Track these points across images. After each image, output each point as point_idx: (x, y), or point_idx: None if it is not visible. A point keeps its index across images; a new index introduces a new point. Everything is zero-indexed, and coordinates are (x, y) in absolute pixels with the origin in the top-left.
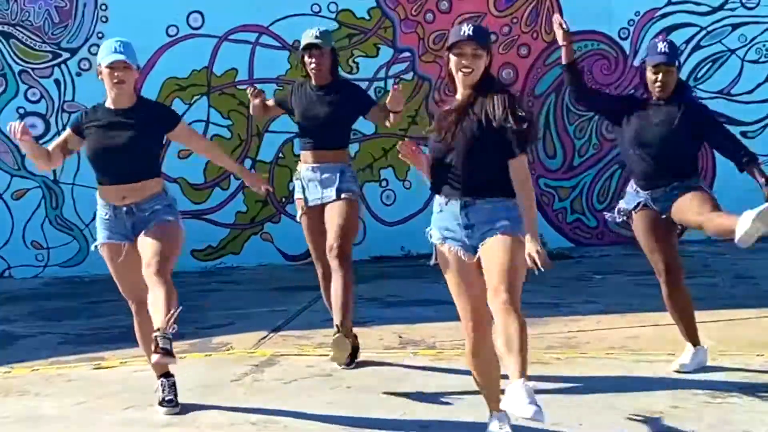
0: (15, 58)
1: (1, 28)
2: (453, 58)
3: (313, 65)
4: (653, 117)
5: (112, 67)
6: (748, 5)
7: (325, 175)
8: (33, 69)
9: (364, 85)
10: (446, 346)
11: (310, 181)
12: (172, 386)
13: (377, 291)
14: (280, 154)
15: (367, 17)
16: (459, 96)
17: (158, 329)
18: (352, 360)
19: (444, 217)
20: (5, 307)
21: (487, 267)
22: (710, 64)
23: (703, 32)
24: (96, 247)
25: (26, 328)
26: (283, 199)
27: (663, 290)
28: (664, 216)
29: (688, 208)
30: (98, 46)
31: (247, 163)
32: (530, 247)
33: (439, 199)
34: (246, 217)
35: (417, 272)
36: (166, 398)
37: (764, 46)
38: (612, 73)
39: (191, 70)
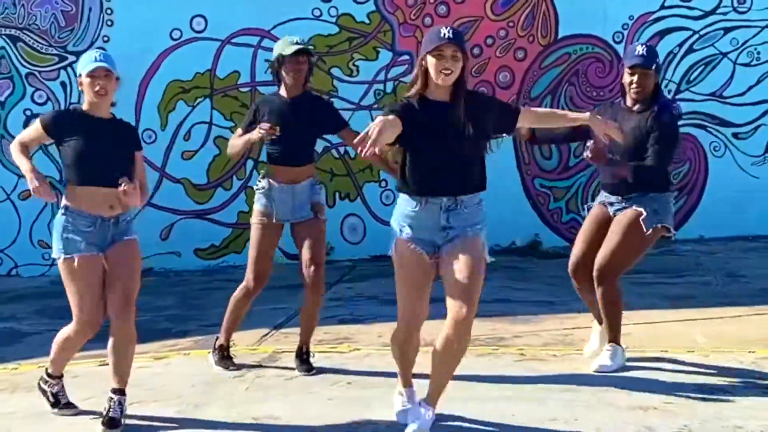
0: (22, 61)
1: (9, 31)
2: (432, 61)
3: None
4: (624, 125)
5: (93, 75)
6: (740, 9)
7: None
8: (40, 72)
9: (363, 87)
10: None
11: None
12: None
13: (376, 289)
14: None
15: (367, 21)
16: (433, 96)
17: (118, 390)
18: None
19: (419, 216)
20: (12, 305)
21: (453, 280)
22: (703, 66)
23: (696, 36)
24: (62, 258)
25: (33, 326)
26: None
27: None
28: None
29: (605, 242)
30: (104, 49)
31: (249, 163)
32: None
33: (413, 199)
34: (248, 216)
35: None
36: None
37: (755, 49)
38: (606, 75)
39: (194, 72)
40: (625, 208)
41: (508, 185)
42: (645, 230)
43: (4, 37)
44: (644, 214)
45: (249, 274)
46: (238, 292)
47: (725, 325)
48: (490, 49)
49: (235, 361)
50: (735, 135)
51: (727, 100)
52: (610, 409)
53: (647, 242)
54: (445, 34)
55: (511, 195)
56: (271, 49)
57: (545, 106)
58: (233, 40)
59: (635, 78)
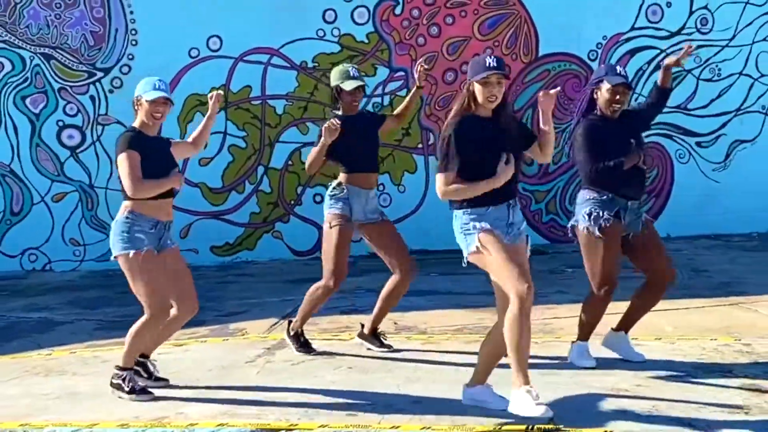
0: (55, 76)
1: (43, 50)
2: (480, 88)
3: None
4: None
5: (155, 102)
6: (703, 30)
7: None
8: (71, 86)
9: (363, 101)
10: (436, 331)
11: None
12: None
13: (375, 283)
14: (290, 162)
15: (366, 41)
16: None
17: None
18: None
19: (489, 216)
20: (46, 297)
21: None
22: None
23: (663, 54)
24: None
25: (65, 316)
26: (292, 202)
27: None
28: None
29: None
30: (129, 66)
31: (260, 169)
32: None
33: (479, 209)
34: (259, 217)
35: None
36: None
37: (717, 66)
38: (582, 89)
39: (210, 87)
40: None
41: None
42: None
43: (38, 55)
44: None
45: (330, 275)
46: (319, 291)
47: (690, 315)
48: None
49: (247, 347)
50: (698, 143)
51: (691, 112)
52: (586, 391)
53: None
54: (490, 63)
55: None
56: (279, 66)
57: (527, 118)
58: (245, 58)
59: (618, 97)
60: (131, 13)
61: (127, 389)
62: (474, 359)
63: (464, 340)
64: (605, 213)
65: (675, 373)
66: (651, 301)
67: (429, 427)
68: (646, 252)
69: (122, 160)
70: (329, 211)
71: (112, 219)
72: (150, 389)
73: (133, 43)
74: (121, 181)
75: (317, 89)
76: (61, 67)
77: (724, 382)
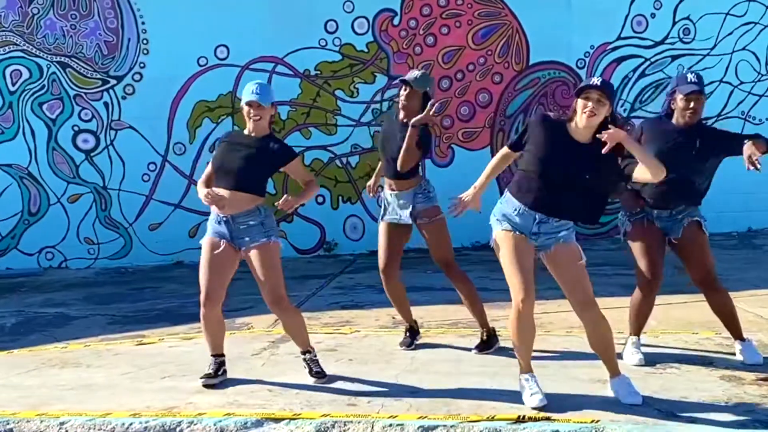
0: (71, 84)
1: (59, 58)
2: (580, 102)
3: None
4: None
5: (248, 104)
6: (685, 40)
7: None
8: (86, 93)
9: (362, 106)
10: (432, 325)
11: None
12: (220, 365)
13: (374, 279)
14: None
15: (366, 50)
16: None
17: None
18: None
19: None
20: (62, 293)
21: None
22: (653, 89)
23: (647, 62)
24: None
25: (80, 311)
26: None
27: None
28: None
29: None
30: (141, 74)
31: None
32: None
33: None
34: None
35: (408, 263)
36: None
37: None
38: (571, 96)
39: (218, 94)
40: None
41: (488, 192)
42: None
43: (55, 63)
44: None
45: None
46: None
47: (673, 310)
48: (471, 74)
49: (253, 340)
50: None
51: None
52: (574, 382)
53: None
54: (594, 82)
55: (491, 200)
56: (283, 74)
57: (518, 123)
58: (251, 66)
59: (692, 104)
60: (143, 23)
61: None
62: (467, 352)
63: (458, 334)
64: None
65: (659, 365)
66: (712, 299)
67: (425, 416)
68: (680, 254)
69: None
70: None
71: (125, 219)
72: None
73: (145, 52)
74: None
75: (319, 96)
76: (76, 74)
77: (706, 373)
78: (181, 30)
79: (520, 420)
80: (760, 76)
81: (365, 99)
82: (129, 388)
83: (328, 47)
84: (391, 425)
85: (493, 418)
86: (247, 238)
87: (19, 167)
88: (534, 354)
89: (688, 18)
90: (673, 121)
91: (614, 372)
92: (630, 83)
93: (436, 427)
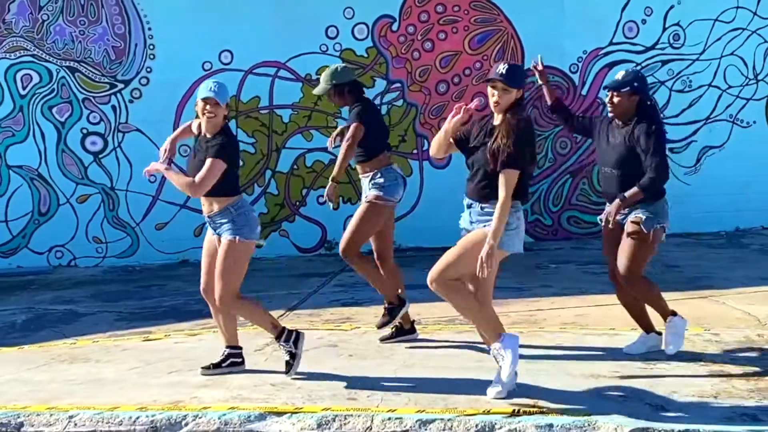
0: (79, 88)
1: (68, 63)
2: (489, 90)
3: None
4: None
5: (204, 101)
6: (675, 45)
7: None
8: (94, 97)
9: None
10: (429, 322)
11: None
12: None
13: None
14: (295, 166)
15: (366, 55)
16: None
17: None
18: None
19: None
20: (71, 290)
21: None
22: None
23: (639, 67)
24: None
25: (88, 308)
26: (297, 203)
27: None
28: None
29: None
30: (147, 78)
31: (268, 173)
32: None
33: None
34: (267, 217)
35: (406, 262)
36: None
37: (688, 78)
38: (564, 100)
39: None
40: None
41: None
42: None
43: (64, 68)
44: (644, 218)
45: None
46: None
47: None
48: (468, 78)
49: (256, 336)
50: (671, 149)
51: (665, 121)
52: (567, 377)
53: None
54: (499, 70)
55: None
56: (285, 78)
57: None
58: (254, 71)
59: (607, 99)
60: (149, 29)
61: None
62: (464, 348)
63: (455, 330)
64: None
65: (649, 360)
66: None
67: (423, 410)
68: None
69: None
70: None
71: (132, 219)
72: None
73: (151, 57)
74: None
75: (320, 99)
76: (85, 79)
77: (695, 368)
78: (186, 36)
79: (514, 414)
80: (747, 80)
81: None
82: (136, 383)
83: (329, 52)
84: (390, 419)
85: (488, 411)
86: (221, 233)
87: (30, 168)
88: (528, 349)
89: (677, 24)
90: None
91: None
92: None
93: (433, 420)
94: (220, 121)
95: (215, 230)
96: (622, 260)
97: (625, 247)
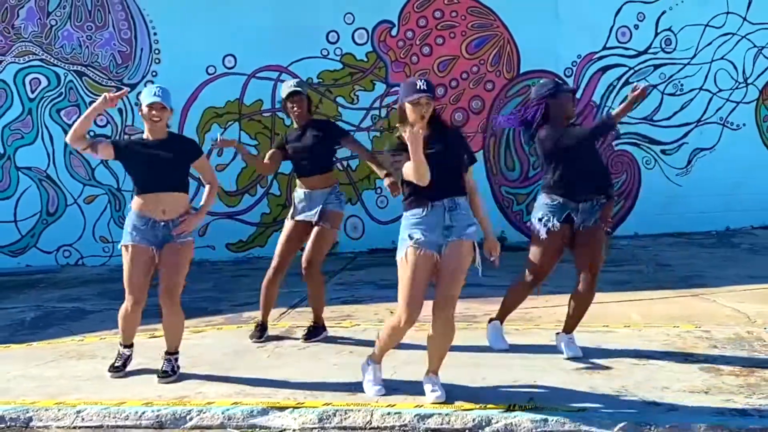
0: (87, 91)
1: (76, 67)
2: (410, 108)
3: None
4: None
5: (150, 106)
6: (667, 50)
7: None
8: None
9: (362, 113)
10: (427, 319)
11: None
12: (128, 358)
13: (372, 276)
14: None
15: (365, 59)
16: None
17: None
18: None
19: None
20: (79, 288)
21: (445, 272)
22: None
23: (631, 71)
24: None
25: (95, 306)
26: None
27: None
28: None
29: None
30: (153, 82)
31: (270, 175)
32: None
33: (418, 209)
34: (269, 217)
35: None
36: (115, 365)
37: (679, 82)
38: None
39: (226, 101)
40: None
41: (480, 192)
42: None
43: (72, 72)
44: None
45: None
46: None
47: (655, 305)
48: (465, 82)
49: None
50: (663, 151)
51: (657, 123)
52: (561, 373)
53: None
54: (420, 86)
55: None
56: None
57: (510, 129)
58: (257, 75)
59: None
60: (155, 34)
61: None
62: (463, 345)
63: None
64: (554, 218)
65: (642, 357)
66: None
67: (422, 405)
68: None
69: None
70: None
71: None
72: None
73: (157, 61)
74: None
75: (321, 102)
76: (92, 82)
77: (686, 365)
78: (191, 40)
79: (510, 408)
80: (737, 84)
81: (365, 105)
82: (142, 379)
83: (330, 57)
84: (389, 413)
85: (485, 406)
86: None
87: (38, 170)
88: (524, 346)
89: (669, 29)
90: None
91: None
92: (615, 91)
93: (431, 414)
94: (164, 125)
95: (165, 237)
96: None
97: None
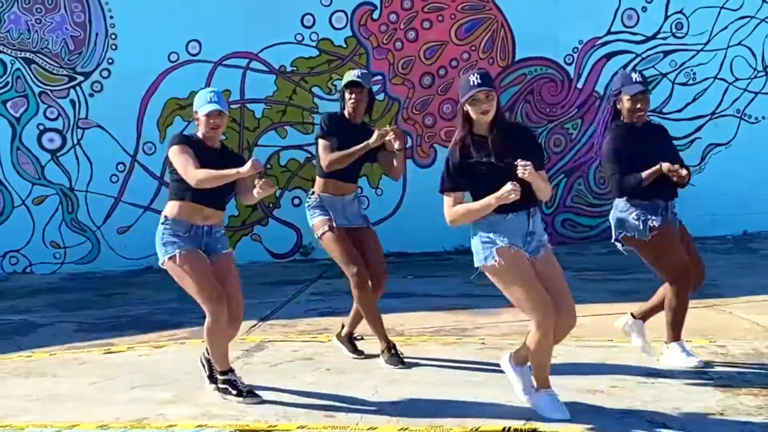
0: (36, 80)
1: (24, 54)
2: (470, 107)
3: (352, 101)
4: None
5: (208, 115)
6: (678, 35)
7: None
8: (51, 90)
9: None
10: (413, 332)
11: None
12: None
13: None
14: (268, 165)
15: (344, 45)
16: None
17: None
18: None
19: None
20: (27, 299)
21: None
22: None
23: (639, 58)
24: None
25: (45, 318)
26: (271, 205)
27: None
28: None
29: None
30: (109, 70)
31: None
32: None
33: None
34: (238, 220)
35: (388, 268)
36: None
37: (692, 70)
38: (558, 93)
39: (190, 91)
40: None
41: None
42: None
43: (19, 59)
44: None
45: (354, 276)
46: (359, 295)
47: (665, 317)
48: (455, 70)
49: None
50: None
51: (667, 116)
52: (561, 391)
53: None
54: (474, 81)
55: None
56: (257, 70)
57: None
58: (225, 62)
59: (639, 104)
60: (111, 17)
61: (234, 392)
62: (449, 361)
63: (441, 342)
64: (651, 216)
65: (651, 375)
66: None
67: (406, 428)
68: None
69: (174, 153)
70: (312, 221)
71: (93, 222)
72: (256, 391)
73: (113, 47)
74: (170, 180)
75: (296, 93)
76: (41, 71)
77: (700, 383)
78: (151, 24)
79: (505, 431)
80: (756, 72)
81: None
82: (97, 399)
83: (305, 42)
84: None
85: (477, 429)
86: (219, 245)
87: None
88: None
89: (681, 12)
90: (624, 120)
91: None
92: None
93: None
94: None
95: (208, 244)
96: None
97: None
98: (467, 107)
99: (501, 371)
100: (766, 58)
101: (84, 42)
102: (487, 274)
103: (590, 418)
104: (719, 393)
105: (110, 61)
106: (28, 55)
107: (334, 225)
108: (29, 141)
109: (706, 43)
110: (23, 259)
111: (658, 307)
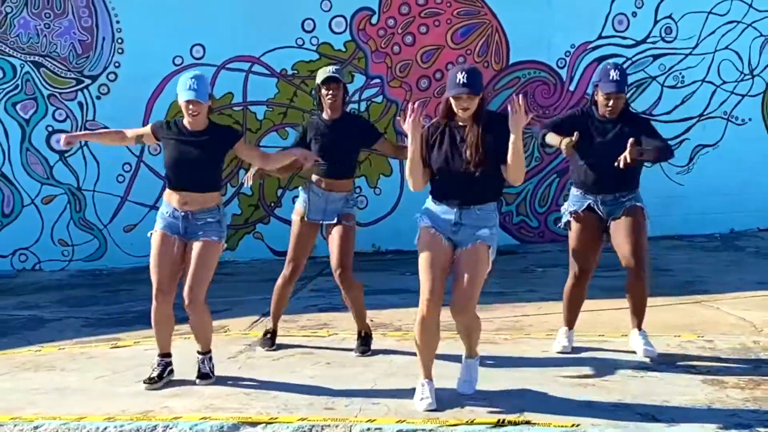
0: (45, 83)
1: (33, 58)
2: (453, 102)
3: (330, 96)
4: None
5: (186, 102)
6: (667, 39)
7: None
8: (60, 93)
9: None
10: (410, 328)
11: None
12: (167, 365)
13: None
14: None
15: (344, 49)
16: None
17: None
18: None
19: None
20: (36, 295)
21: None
22: (635, 89)
23: (629, 62)
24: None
25: (54, 313)
26: (272, 204)
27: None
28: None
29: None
30: (116, 73)
31: (242, 172)
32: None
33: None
34: (240, 218)
35: (386, 266)
36: (151, 375)
37: (680, 73)
38: (551, 96)
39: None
40: (621, 205)
41: None
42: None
43: (29, 63)
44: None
45: (286, 263)
46: (278, 280)
47: (654, 312)
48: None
49: (229, 343)
50: None
51: (656, 118)
52: (554, 385)
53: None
54: (460, 81)
55: None
56: (259, 74)
57: None
58: (227, 66)
59: (610, 102)
60: (118, 22)
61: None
62: (448, 355)
63: None
64: (572, 206)
65: (640, 369)
66: (627, 290)
67: (404, 420)
68: (615, 236)
69: None
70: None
71: (100, 220)
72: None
73: (120, 51)
74: None
75: (296, 96)
76: (50, 74)
77: (688, 376)
78: (156, 29)
79: (499, 424)
80: (742, 75)
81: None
82: (103, 392)
83: (306, 46)
84: (369, 429)
85: (472, 422)
86: (200, 233)
87: None
88: (514, 357)
89: (669, 17)
90: (592, 109)
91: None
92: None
93: (414, 431)
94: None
95: (187, 229)
96: (632, 248)
97: (634, 231)
98: (450, 100)
99: (494, 365)
100: (753, 61)
101: (91, 46)
102: None
103: (581, 410)
104: (707, 386)
105: (117, 64)
106: (37, 58)
107: (305, 218)
108: (38, 142)
109: (694, 47)
110: (32, 256)
111: (632, 304)
